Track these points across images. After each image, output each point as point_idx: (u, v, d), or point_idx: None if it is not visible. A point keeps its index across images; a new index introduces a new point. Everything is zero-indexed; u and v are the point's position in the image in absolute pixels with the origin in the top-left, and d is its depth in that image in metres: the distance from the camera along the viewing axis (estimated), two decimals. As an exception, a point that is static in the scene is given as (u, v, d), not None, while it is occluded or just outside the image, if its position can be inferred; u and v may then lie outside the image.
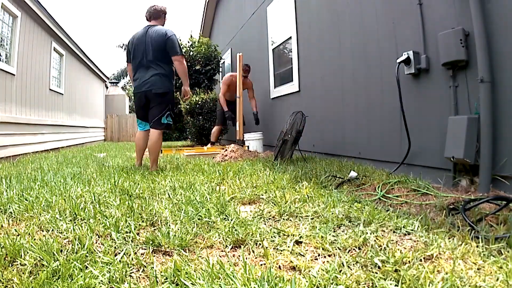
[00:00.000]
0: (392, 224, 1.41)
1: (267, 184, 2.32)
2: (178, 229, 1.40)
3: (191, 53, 8.28)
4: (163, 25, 3.51)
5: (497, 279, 0.93)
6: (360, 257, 1.10)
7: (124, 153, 5.95)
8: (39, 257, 1.14)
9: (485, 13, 1.92)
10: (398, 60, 2.49)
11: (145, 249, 1.25)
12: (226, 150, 4.77)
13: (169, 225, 1.46)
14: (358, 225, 1.42)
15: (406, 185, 2.21)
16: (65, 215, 1.61)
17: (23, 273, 1.05)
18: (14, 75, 5.43)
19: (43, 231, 1.45)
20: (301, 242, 1.27)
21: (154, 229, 1.43)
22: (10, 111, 5.29)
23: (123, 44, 21.99)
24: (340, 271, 1.00)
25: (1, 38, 5.26)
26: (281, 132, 3.78)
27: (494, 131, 1.89)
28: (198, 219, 1.54)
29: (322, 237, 1.29)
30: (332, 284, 0.93)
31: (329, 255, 1.16)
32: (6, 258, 1.16)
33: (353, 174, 2.50)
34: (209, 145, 6.20)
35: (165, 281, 0.99)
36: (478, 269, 1.01)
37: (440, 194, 1.93)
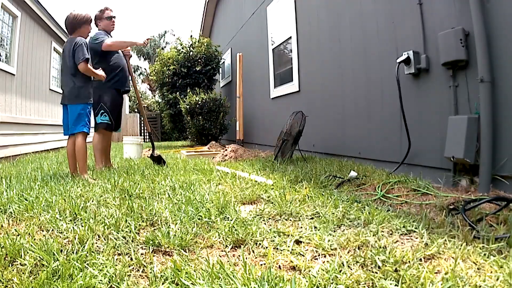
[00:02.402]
0: (392, 224, 1.41)
1: (267, 184, 2.32)
2: (178, 229, 1.40)
3: (191, 53, 8.29)
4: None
5: (497, 279, 0.93)
6: (360, 257, 1.10)
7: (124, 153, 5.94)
8: (39, 257, 1.14)
9: (485, 13, 1.92)
10: (398, 60, 2.49)
11: (145, 249, 1.25)
12: (226, 150, 4.77)
13: (169, 225, 1.46)
14: (358, 225, 1.42)
15: (406, 185, 2.20)
16: (65, 215, 1.61)
17: (23, 273, 1.05)
18: (14, 75, 5.43)
19: (43, 231, 1.45)
20: (301, 242, 1.27)
21: (154, 229, 1.43)
22: (10, 111, 5.29)
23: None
24: (340, 271, 1.00)
25: (1, 38, 5.26)
26: (281, 132, 3.78)
27: (494, 131, 1.89)
28: (198, 219, 1.54)
29: (322, 237, 1.29)
30: (332, 284, 0.93)
31: (329, 255, 1.16)
32: (6, 258, 1.16)
33: (353, 174, 2.50)
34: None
35: (165, 281, 0.99)
36: (478, 269, 1.01)
37: (440, 194, 1.93)
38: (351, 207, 1.69)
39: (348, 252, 1.17)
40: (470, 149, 1.95)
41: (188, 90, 7.80)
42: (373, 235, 1.28)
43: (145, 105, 21.26)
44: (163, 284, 0.98)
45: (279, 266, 1.09)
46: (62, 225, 1.47)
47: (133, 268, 1.10)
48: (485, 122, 1.91)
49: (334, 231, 1.37)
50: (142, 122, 16.60)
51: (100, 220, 1.52)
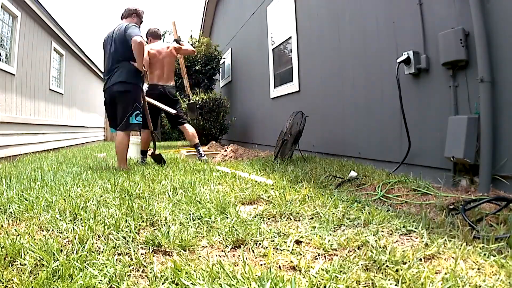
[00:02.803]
0: (392, 224, 1.41)
1: (267, 184, 2.32)
2: (178, 229, 1.40)
3: (191, 53, 8.28)
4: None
5: (497, 279, 0.93)
6: (360, 257, 1.10)
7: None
8: (39, 257, 1.14)
9: (485, 12, 1.92)
10: (398, 60, 2.49)
11: (145, 249, 1.25)
12: (226, 150, 4.77)
13: (169, 225, 1.46)
14: (358, 225, 1.42)
15: (406, 185, 2.20)
16: (65, 215, 1.61)
17: (23, 273, 1.05)
18: (14, 75, 5.43)
19: (43, 231, 1.45)
20: (301, 242, 1.27)
21: (154, 229, 1.43)
22: (10, 111, 5.29)
23: None
24: (340, 271, 1.00)
25: (1, 38, 5.26)
26: (281, 132, 3.78)
27: (494, 131, 1.89)
28: (198, 219, 1.54)
29: (322, 237, 1.29)
30: (332, 284, 0.93)
31: (329, 255, 1.16)
32: (6, 258, 1.16)
33: (353, 174, 2.50)
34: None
35: (165, 281, 0.99)
36: (478, 269, 1.01)
37: (440, 194, 1.93)
38: (351, 207, 1.69)
39: (348, 252, 1.17)
40: (470, 149, 1.95)
41: (188, 90, 7.80)
42: (373, 235, 1.28)
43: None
44: (163, 284, 0.98)
45: (279, 266, 1.09)
46: (62, 225, 1.47)
47: (133, 268, 1.10)
48: (485, 122, 1.91)
49: (334, 231, 1.37)
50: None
51: (100, 220, 1.52)
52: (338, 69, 3.59)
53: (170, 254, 1.22)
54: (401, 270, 0.98)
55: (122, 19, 3.51)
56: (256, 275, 0.98)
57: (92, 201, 1.85)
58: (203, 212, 1.61)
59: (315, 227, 1.41)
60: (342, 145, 3.55)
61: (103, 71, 3.52)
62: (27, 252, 1.17)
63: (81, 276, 1.00)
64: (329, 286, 0.92)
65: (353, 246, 1.20)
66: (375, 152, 3.01)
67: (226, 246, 1.27)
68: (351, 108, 3.37)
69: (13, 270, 1.08)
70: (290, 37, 4.74)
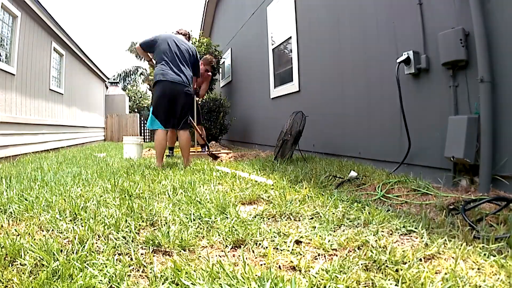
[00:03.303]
0: (392, 224, 1.41)
1: (267, 184, 2.32)
2: (178, 229, 1.40)
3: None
4: None
5: (498, 279, 0.93)
6: (360, 257, 1.10)
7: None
8: (39, 257, 1.14)
9: (485, 12, 1.92)
10: (398, 60, 2.49)
11: (145, 249, 1.25)
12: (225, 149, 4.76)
13: (169, 225, 1.46)
14: (358, 225, 1.42)
15: (406, 185, 2.20)
16: (65, 215, 1.61)
17: (23, 273, 1.05)
18: (14, 75, 5.43)
19: (43, 231, 1.45)
20: (301, 242, 1.27)
21: (154, 229, 1.43)
22: (10, 111, 5.29)
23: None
24: (340, 271, 1.00)
25: (1, 38, 5.26)
26: (281, 132, 3.78)
27: (494, 131, 1.89)
28: (198, 219, 1.54)
29: (322, 237, 1.29)
30: (332, 284, 0.93)
31: (329, 255, 1.16)
32: (6, 258, 1.16)
33: (353, 174, 2.50)
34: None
35: (165, 281, 0.99)
36: (478, 269, 1.01)
37: (440, 194, 1.93)
38: (351, 207, 1.69)
39: (348, 252, 1.17)
40: (470, 149, 1.95)
41: (188, 90, 7.79)
42: (373, 235, 1.28)
43: (146, 105, 21.31)
44: (163, 284, 0.98)
45: (279, 266, 1.09)
46: (62, 225, 1.47)
47: (133, 268, 1.10)
48: (485, 122, 1.91)
49: (334, 231, 1.37)
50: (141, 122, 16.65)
51: (100, 220, 1.52)
52: (338, 69, 3.59)
53: (170, 254, 1.22)
54: (401, 270, 0.98)
55: (179, 33, 3.92)
56: (256, 275, 0.98)
57: (92, 201, 1.85)
58: (203, 212, 1.61)
59: (315, 227, 1.41)
60: (342, 145, 3.55)
61: (164, 60, 3.46)
62: (27, 252, 1.17)
63: (81, 276, 1.00)
64: (329, 286, 0.93)
65: (353, 246, 1.20)
66: (375, 152, 3.01)
67: (226, 246, 1.27)
68: (351, 108, 3.37)
69: (13, 270, 1.08)
70: (290, 37, 4.74)
